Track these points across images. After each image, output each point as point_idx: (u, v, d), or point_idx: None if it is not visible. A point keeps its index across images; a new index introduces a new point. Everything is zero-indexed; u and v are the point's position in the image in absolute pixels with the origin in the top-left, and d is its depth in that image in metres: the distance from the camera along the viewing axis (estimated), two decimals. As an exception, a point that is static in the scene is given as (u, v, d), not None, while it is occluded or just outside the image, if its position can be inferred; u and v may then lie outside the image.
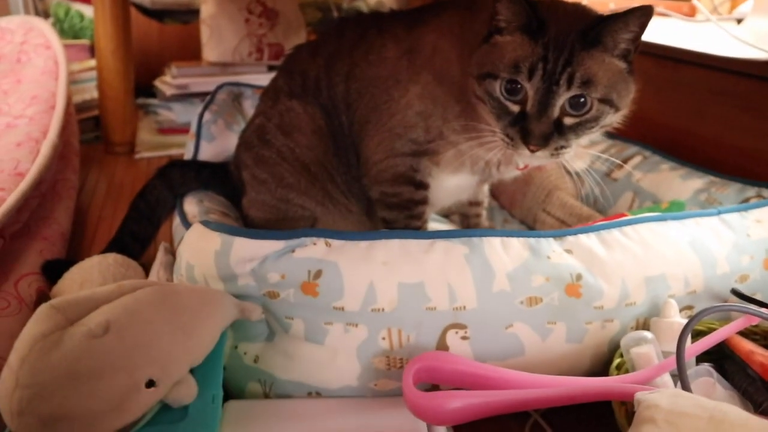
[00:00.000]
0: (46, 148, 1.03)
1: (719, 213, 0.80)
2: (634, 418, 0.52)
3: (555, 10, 0.70)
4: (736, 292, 0.74)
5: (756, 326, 0.72)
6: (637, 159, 1.10)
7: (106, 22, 1.46)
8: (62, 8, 1.82)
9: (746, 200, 0.89)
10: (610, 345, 0.72)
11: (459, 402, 0.59)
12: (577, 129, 0.69)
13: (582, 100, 0.68)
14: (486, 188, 1.04)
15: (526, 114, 0.69)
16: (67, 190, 1.13)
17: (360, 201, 0.92)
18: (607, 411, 0.62)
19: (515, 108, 0.70)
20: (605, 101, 0.69)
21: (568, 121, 0.69)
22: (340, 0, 2.10)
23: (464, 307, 0.66)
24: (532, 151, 0.69)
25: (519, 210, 1.17)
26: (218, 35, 1.63)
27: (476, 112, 0.75)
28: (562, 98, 0.67)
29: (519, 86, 0.69)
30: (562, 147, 0.70)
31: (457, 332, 0.67)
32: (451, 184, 0.89)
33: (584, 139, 0.74)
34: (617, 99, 0.69)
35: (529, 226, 1.14)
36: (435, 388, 0.69)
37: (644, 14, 0.65)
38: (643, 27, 0.67)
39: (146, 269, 0.89)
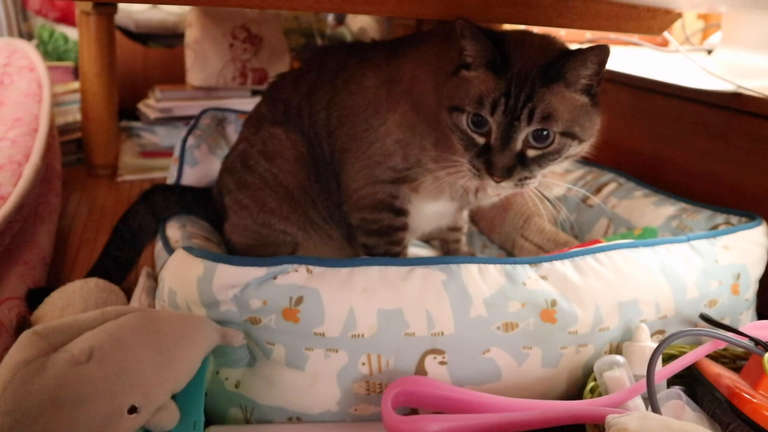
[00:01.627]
0: (28, 172, 1.04)
1: (689, 240, 0.82)
2: (605, 441, 0.54)
3: (522, 44, 0.73)
4: (704, 317, 0.76)
5: (725, 350, 0.75)
6: (612, 186, 1.13)
7: (91, 44, 1.47)
8: (46, 30, 1.83)
9: (715, 227, 0.92)
10: (584, 369, 0.74)
11: (437, 426, 0.60)
12: (540, 161, 0.71)
13: (544, 133, 0.70)
14: (465, 214, 1.06)
15: (491, 146, 0.71)
16: (48, 213, 1.13)
17: (341, 227, 0.93)
18: (582, 435, 0.64)
19: (481, 140, 0.72)
20: (567, 134, 0.71)
21: (531, 153, 0.71)
22: (323, 27, 2.14)
23: (442, 333, 0.68)
24: (497, 182, 0.71)
25: (498, 235, 1.19)
26: (202, 60, 1.65)
27: (451, 141, 0.77)
28: (523, 132, 0.70)
29: (483, 120, 0.71)
30: (526, 178, 0.72)
31: (435, 357, 0.68)
32: (430, 210, 0.91)
33: (554, 168, 0.76)
34: (580, 132, 0.72)
35: (508, 252, 1.17)
36: (414, 412, 0.70)
37: (601, 52, 0.68)
38: (601, 64, 0.70)
39: (128, 294, 0.89)
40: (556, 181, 1.12)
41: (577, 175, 1.19)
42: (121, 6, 1.80)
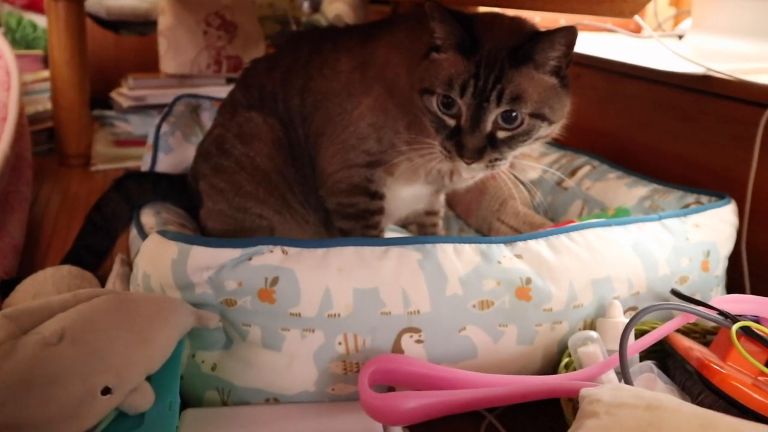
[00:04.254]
0: (-3, 160, 1.02)
1: (660, 218, 0.84)
2: (578, 412, 0.55)
3: (491, 27, 0.73)
4: (675, 292, 0.78)
5: (695, 324, 0.77)
6: (587, 168, 1.14)
7: (60, 31, 1.44)
8: (14, 18, 1.79)
9: (686, 206, 0.93)
10: (559, 346, 0.75)
11: (413, 402, 0.61)
12: (510, 142, 0.72)
13: (513, 114, 0.70)
14: (442, 198, 1.07)
15: (461, 128, 0.71)
16: (19, 202, 1.11)
17: (317, 212, 0.93)
18: (559, 412, 0.65)
19: (451, 122, 0.72)
20: (536, 115, 0.71)
21: (501, 134, 0.71)
22: (299, 14, 2.12)
23: (418, 312, 0.68)
24: (467, 164, 0.71)
25: (474, 219, 1.20)
26: (176, 47, 1.63)
27: (423, 124, 0.77)
28: (493, 114, 0.70)
29: (453, 101, 0.71)
30: (497, 159, 0.72)
31: (411, 336, 0.69)
32: (406, 194, 0.92)
33: (524, 150, 0.77)
34: (549, 113, 0.72)
35: (484, 235, 1.17)
36: (392, 390, 0.70)
37: (569, 33, 0.69)
38: (570, 45, 0.70)
39: (103, 282, 0.88)
40: (532, 164, 1.13)
41: (553, 159, 1.21)
42: (92, -7, 1.77)
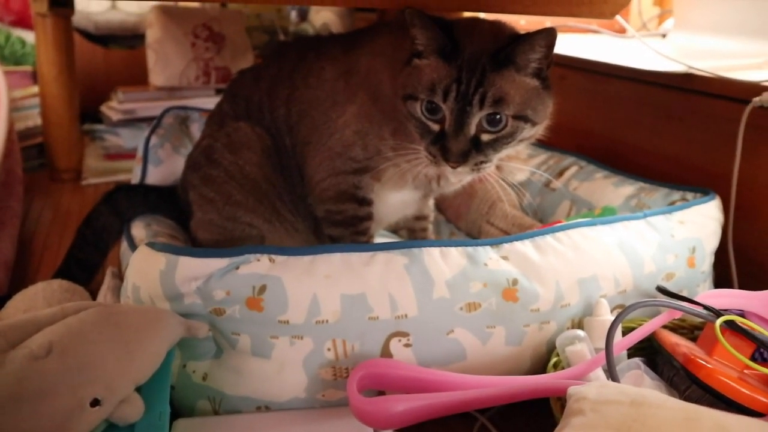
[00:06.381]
0: (-14, 177, 1.02)
1: (645, 216, 0.85)
2: (564, 410, 0.55)
3: (471, 31, 0.74)
4: (660, 289, 0.78)
5: (683, 321, 0.77)
6: (574, 169, 1.15)
7: (48, 47, 1.45)
8: (2, 34, 1.80)
9: (672, 203, 0.94)
10: (548, 345, 0.75)
11: (402, 405, 0.61)
12: (495, 145, 0.72)
13: (497, 117, 0.71)
14: (431, 202, 1.07)
15: (445, 132, 0.72)
16: (10, 218, 1.11)
17: (307, 219, 0.93)
18: (551, 411, 0.65)
19: (435, 127, 0.73)
20: (520, 117, 0.72)
21: (485, 137, 0.72)
22: (286, 23, 2.13)
23: (406, 316, 0.69)
24: (453, 168, 0.72)
25: (464, 223, 1.21)
26: (164, 60, 1.63)
27: (408, 130, 0.78)
28: (476, 117, 0.71)
29: (437, 106, 0.72)
30: (482, 162, 0.73)
31: (400, 340, 0.69)
32: (394, 199, 0.92)
33: (509, 152, 0.77)
34: (532, 114, 0.73)
35: (475, 238, 1.18)
36: (382, 395, 0.70)
37: (549, 35, 0.69)
38: (550, 46, 0.71)
39: (94, 296, 0.88)
40: (520, 165, 1.14)
41: (540, 160, 1.22)
42: (80, 8, 1.78)
